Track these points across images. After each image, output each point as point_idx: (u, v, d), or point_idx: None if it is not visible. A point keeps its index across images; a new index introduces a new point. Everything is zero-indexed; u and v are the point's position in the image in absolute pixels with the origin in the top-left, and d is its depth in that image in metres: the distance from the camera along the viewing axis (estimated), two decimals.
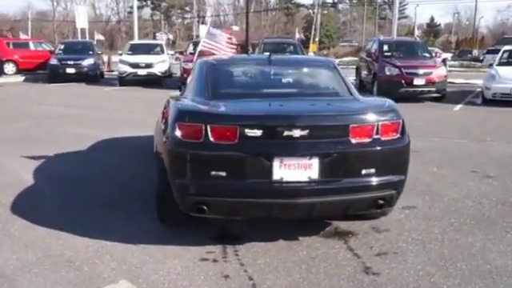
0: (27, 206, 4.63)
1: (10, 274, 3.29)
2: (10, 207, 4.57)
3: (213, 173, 3.38)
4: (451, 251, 3.68)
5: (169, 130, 3.56)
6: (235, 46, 7.57)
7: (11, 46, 21.90)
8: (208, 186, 3.40)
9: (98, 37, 34.80)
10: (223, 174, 3.37)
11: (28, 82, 19.64)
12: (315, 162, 3.38)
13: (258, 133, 3.35)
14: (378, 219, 4.22)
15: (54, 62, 18.98)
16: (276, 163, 3.35)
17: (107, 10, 74.76)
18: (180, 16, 77.42)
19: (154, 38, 51.16)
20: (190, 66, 16.74)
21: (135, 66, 17.76)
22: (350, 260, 3.54)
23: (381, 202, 3.60)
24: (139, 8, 74.70)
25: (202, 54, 5.77)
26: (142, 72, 17.76)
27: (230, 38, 7.30)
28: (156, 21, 75.50)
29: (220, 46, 6.68)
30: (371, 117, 3.57)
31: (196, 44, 17.92)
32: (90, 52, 19.90)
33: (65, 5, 67.98)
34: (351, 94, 4.25)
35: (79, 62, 18.99)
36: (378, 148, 3.52)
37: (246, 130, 3.34)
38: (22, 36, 26.21)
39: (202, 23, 65.54)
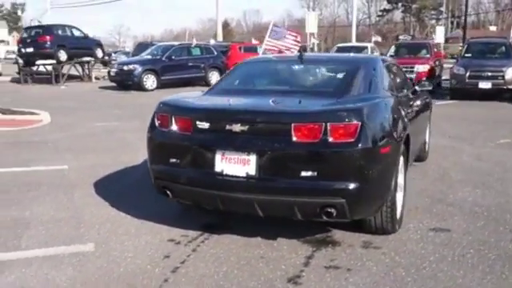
0: None
1: None
2: None
3: (172, 160, 3.70)
4: None
5: (151, 119, 3.99)
6: (299, 44, 7.35)
7: (242, 51, 24.83)
8: (169, 172, 3.75)
9: (376, 38, 35.83)
10: (178, 161, 3.66)
11: None
12: (253, 159, 3.38)
13: (205, 125, 3.55)
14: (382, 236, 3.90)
15: None
16: (218, 156, 3.48)
17: (358, 14, 76.56)
18: (433, 17, 74.08)
19: (397, 40, 50.27)
20: None
21: None
22: (291, 267, 3.42)
23: (330, 210, 3.34)
24: (389, 11, 74.70)
25: (267, 51, 5.92)
26: None
27: (295, 37, 7.16)
28: (407, 23, 74.05)
29: (283, 44, 6.67)
30: (319, 117, 3.33)
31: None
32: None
33: (320, 11, 72.56)
34: (370, 91, 3.95)
35: None
36: (324, 150, 3.27)
37: (197, 123, 3.57)
38: (254, 41, 29.65)
39: (457, 25, 61.65)
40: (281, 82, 4.54)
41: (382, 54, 19.37)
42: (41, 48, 19.86)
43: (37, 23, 33.03)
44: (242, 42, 31.03)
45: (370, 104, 3.63)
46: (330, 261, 3.52)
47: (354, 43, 25.55)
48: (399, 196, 4.07)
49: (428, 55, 16.58)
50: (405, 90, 5.39)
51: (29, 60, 20.52)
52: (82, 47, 21.48)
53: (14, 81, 21.68)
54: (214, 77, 19.36)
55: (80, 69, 22.00)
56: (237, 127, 3.43)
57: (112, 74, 18.34)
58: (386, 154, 3.52)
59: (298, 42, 7.28)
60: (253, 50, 25.18)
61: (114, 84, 18.50)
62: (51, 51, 19.90)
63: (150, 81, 17.61)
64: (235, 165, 3.44)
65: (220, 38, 29.68)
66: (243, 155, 3.42)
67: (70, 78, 21.36)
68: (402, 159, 4.09)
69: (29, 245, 3.78)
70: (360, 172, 3.32)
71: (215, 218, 4.27)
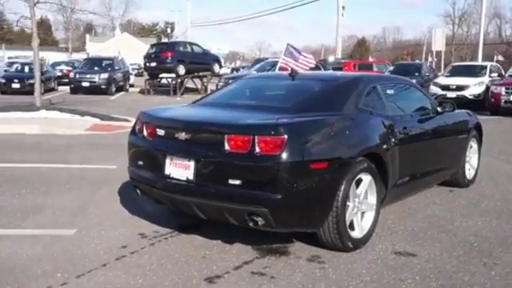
0: None
1: None
2: None
3: (139, 162, 4.14)
4: None
5: (132, 126, 4.47)
6: (312, 64, 7.16)
7: (357, 68, 24.64)
8: (137, 173, 4.20)
9: (498, 58, 33.29)
10: (143, 163, 4.09)
11: None
12: (192, 165, 3.67)
13: (162, 133, 3.93)
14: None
15: None
16: (168, 160, 3.83)
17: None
18: None
19: None
20: (498, 89, 15.35)
21: (445, 88, 17.29)
22: (221, 268, 3.62)
23: (256, 218, 3.49)
24: None
25: (282, 69, 6.06)
26: (451, 94, 17.10)
27: (306, 57, 7.02)
28: None
29: (296, 62, 6.60)
30: (249, 129, 3.51)
31: None
32: (416, 73, 20.37)
33: (466, 28, 68.17)
34: (331, 109, 4.02)
35: None
36: (251, 161, 3.44)
37: (157, 130, 3.97)
38: (371, 59, 29.06)
39: None
40: (254, 97, 4.73)
41: (500, 75, 17.98)
42: (162, 63, 21.90)
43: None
44: (358, 58, 30.71)
45: (303, 120, 3.70)
46: (263, 268, 3.64)
47: (473, 62, 23.93)
48: (359, 215, 4.04)
49: None
50: (416, 111, 5.23)
51: (152, 73, 22.74)
52: (201, 62, 23.20)
53: (141, 92, 24.17)
54: None
55: (198, 82, 23.78)
56: (182, 135, 3.76)
57: (218, 86, 19.54)
58: (320, 169, 3.55)
59: (311, 62, 7.32)
60: (367, 67, 24.93)
61: None
62: (171, 66, 21.84)
63: None
64: (179, 169, 3.76)
65: (339, 54, 29.75)
66: (185, 161, 3.72)
67: (189, 90, 23.19)
68: (368, 177, 4.05)
69: (27, 225, 4.48)
70: (283, 184, 3.41)
71: (194, 219, 4.59)
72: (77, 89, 22.27)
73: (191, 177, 3.69)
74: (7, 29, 78.54)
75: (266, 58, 26.05)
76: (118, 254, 3.84)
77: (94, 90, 21.98)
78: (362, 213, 4.13)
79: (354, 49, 78.36)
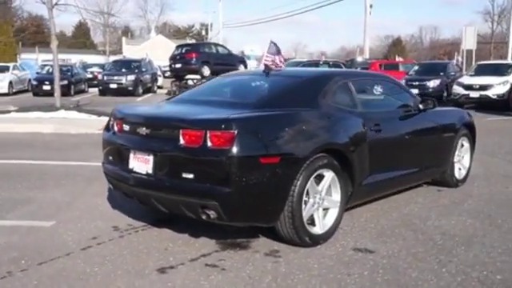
0: None
1: None
2: None
3: (110, 158, 4.34)
4: None
5: (106, 123, 4.67)
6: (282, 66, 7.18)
7: (383, 68, 24.38)
8: (109, 168, 4.39)
9: None
10: (112, 158, 4.28)
11: None
12: (151, 159, 3.84)
13: (127, 128, 4.11)
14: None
15: (402, 82, 20.26)
16: (132, 154, 4.02)
17: None
18: None
19: None
20: None
21: (468, 87, 16.93)
22: (177, 260, 3.78)
23: (208, 211, 3.62)
24: None
25: (266, 66, 6.13)
26: (474, 94, 16.75)
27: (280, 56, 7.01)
28: None
29: (275, 60, 6.61)
30: (202, 124, 3.65)
31: None
32: (441, 73, 20.03)
33: (506, 26, 65.97)
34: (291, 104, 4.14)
35: (424, 82, 19.51)
36: (202, 155, 3.58)
37: (124, 126, 4.16)
38: (398, 59, 28.61)
39: None
40: (222, 94, 4.86)
41: None
42: (187, 64, 22.22)
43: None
44: (385, 59, 30.33)
45: (254, 115, 3.80)
46: (217, 261, 3.77)
47: (498, 61, 23.29)
48: (321, 211, 4.11)
49: None
50: (395, 108, 5.26)
51: (178, 75, 23.14)
52: (225, 63, 23.39)
53: (168, 93, 24.63)
54: None
55: None
56: (143, 130, 3.94)
57: None
58: (271, 164, 3.64)
59: (282, 61, 7.35)
60: (394, 67, 24.63)
61: None
62: (196, 67, 22.14)
63: None
64: (140, 163, 3.94)
65: (367, 55, 29.50)
66: (145, 155, 3.90)
67: None
68: (330, 174, 4.11)
69: (11, 217, 4.76)
70: (233, 178, 3.53)
71: (170, 214, 4.76)
72: (105, 90, 22.94)
73: (150, 171, 3.86)
74: (47, 33, 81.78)
75: (289, 59, 26.12)
76: (85, 245, 4.05)
77: (122, 91, 22.58)
78: (326, 209, 4.21)
79: (389, 49, 77.30)
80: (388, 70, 24.18)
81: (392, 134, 4.91)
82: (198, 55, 22.33)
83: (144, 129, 3.95)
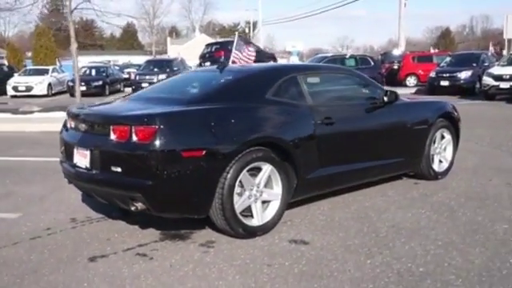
0: None
1: None
2: None
3: (63, 154, 4.57)
4: None
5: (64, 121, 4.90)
6: (252, 58, 7.08)
7: (416, 61, 23.80)
8: (62, 164, 4.61)
9: None
10: (65, 155, 4.51)
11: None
12: (88, 153, 4.03)
13: (73, 125, 4.33)
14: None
15: (431, 74, 19.70)
16: (75, 150, 4.23)
17: None
18: None
19: None
20: None
21: (498, 78, 16.27)
22: (113, 250, 3.95)
23: (136, 203, 3.79)
24: None
25: (234, 63, 6.19)
26: (504, 85, 16.08)
27: (250, 50, 6.93)
28: None
29: (244, 56, 6.59)
30: (128, 120, 3.80)
31: None
32: (474, 64, 19.36)
33: None
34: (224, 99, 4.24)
35: (455, 74, 18.92)
36: (128, 149, 3.73)
37: (72, 123, 4.38)
38: (433, 51, 27.68)
39: None
40: (170, 90, 4.92)
41: None
42: (216, 62, 22.51)
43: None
44: (421, 51, 29.52)
45: (177, 111, 3.92)
46: (150, 250, 3.91)
47: None
48: (259, 203, 4.17)
49: None
50: (354, 101, 5.24)
51: None
52: (255, 60, 23.57)
53: None
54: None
55: None
56: (83, 127, 4.15)
57: None
58: (195, 158, 3.74)
59: (252, 54, 7.33)
60: (427, 59, 24.00)
61: None
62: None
63: None
64: (81, 158, 4.14)
65: (402, 47, 28.81)
66: (84, 150, 4.09)
67: None
68: (269, 167, 4.16)
69: None
70: (154, 171, 3.66)
71: None
72: (137, 90, 23.50)
73: (88, 165, 4.06)
74: (97, 36, 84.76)
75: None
76: (35, 235, 4.29)
77: None
78: (266, 202, 4.26)
79: (437, 40, 74.94)
80: (421, 62, 23.66)
81: (347, 127, 4.87)
82: (225, 53, 22.58)
83: (84, 125, 4.16)
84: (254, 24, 75.33)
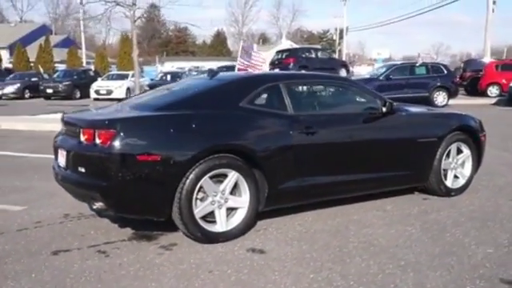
0: None
1: None
2: None
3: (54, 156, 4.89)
4: None
5: None
6: (262, 62, 6.73)
7: (499, 69, 22.23)
8: (54, 166, 4.90)
9: None
10: (54, 157, 4.82)
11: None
12: (65, 154, 4.28)
13: (63, 129, 4.63)
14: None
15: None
16: (60, 151, 4.50)
17: None
18: None
19: None
20: None
21: None
22: (78, 245, 4.17)
23: (96, 203, 3.98)
24: None
25: (240, 71, 6.15)
26: None
27: (260, 55, 6.60)
28: None
29: (252, 62, 6.34)
30: (92, 124, 4.02)
31: None
32: None
33: None
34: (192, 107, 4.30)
35: None
36: (90, 151, 3.94)
37: (62, 127, 4.68)
38: None
39: None
40: (154, 97, 4.96)
41: None
42: (285, 69, 22.60)
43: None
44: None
45: (136, 116, 4.07)
46: (112, 248, 4.08)
47: None
48: (223, 209, 4.18)
49: None
50: (347, 111, 5.09)
51: None
52: (325, 68, 23.31)
53: None
54: (439, 97, 18.37)
55: None
56: (65, 130, 4.44)
57: None
58: (151, 162, 3.83)
59: (263, 60, 7.14)
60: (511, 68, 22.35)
61: None
62: None
63: None
64: (62, 158, 4.41)
65: (488, 55, 27.03)
66: (63, 151, 4.36)
67: None
68: (235, 174, 4.16)
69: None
70: (110, 173, 3.83)
71: None
72: None
73: (64, 164, 4.33)
74: (191, 42, 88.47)
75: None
76: (23, 227, 4.64)
77: None
78: (233, 209, 4.26)
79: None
80: (506, 70, 22.08)
81: (331, 137, 4.72)
82: (295, 60, 22.64)
83: (65, 129, 4.46)
84: (342, 31, 74.50)
